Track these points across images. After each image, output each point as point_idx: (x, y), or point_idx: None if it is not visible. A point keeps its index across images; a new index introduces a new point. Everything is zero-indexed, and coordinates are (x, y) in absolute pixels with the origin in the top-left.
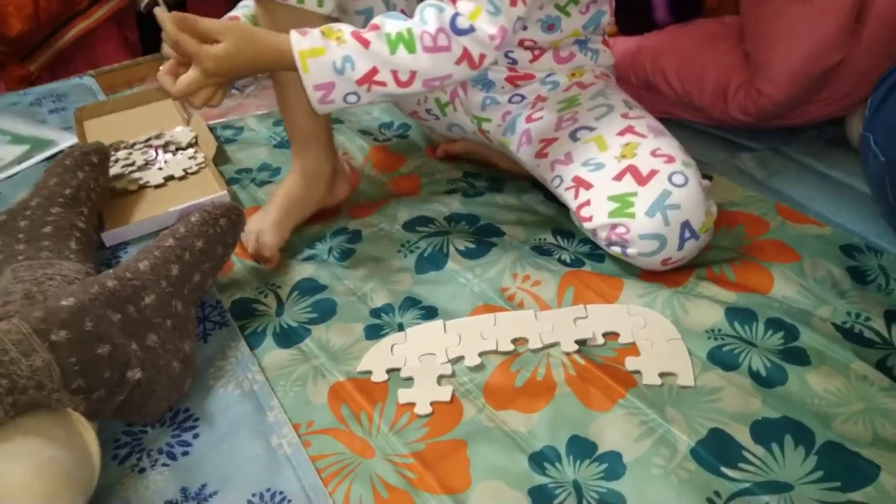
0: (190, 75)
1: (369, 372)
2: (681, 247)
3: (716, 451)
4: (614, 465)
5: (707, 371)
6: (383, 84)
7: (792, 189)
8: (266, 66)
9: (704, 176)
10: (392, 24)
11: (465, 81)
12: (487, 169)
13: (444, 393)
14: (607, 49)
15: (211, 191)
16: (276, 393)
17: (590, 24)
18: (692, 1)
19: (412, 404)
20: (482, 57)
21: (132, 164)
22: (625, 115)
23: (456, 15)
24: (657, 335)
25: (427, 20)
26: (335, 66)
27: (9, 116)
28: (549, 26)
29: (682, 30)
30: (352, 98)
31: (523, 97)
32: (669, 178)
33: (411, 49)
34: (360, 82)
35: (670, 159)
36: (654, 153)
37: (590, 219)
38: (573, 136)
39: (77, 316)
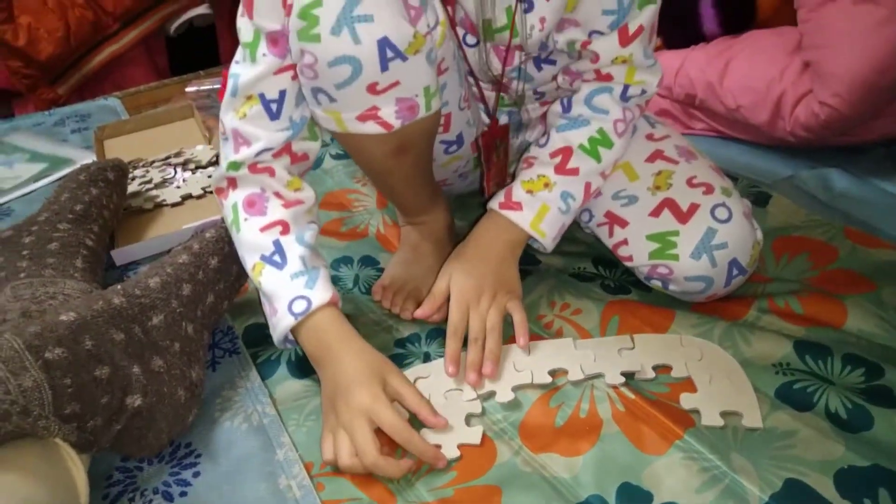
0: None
1: None
2: (727, 284)
3: None
4: None
5: (777, 411)
6: (597, 189)
7: (860, 210)
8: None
9: (753, 194)
10: (575, 134)
11: None
12: None
13: (474, 434)
14: None
15: None
16: (287, 428)
17: None
18: (744, 11)
19: (437, 447)
20: (647, 104)
21: (149, 181)
22: (650, 137)
23: (624, 88)
24: (716, 369)
25: (608, 109)
26: (561, 210)
27: (31, 135)
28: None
29: (734, 42)
30: (570, 220)
31: None
32: (712, 213)
33: (609, 144)
34: (582, 204)
35: (709, 189)
36: (690, 182)
37: (629, 258)
38: None
39: (76, 333)
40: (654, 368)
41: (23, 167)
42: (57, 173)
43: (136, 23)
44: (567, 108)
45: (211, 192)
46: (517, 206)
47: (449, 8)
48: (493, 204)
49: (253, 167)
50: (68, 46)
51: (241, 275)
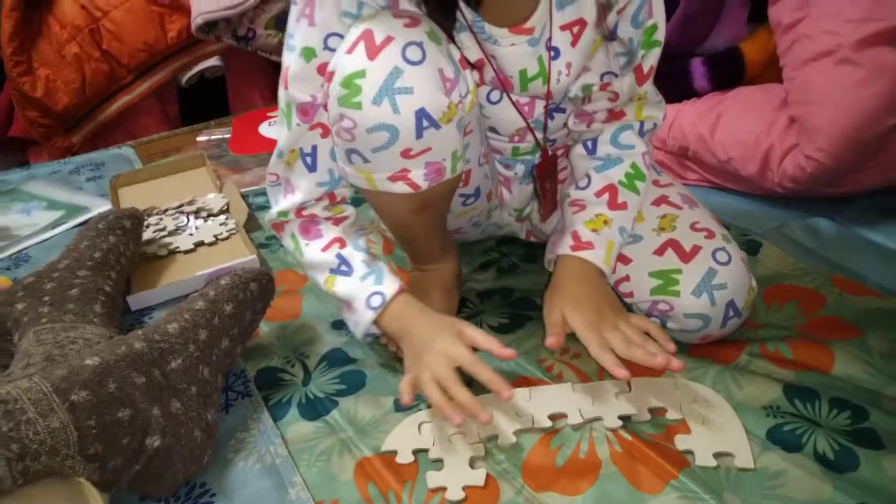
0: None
1: (395, 451)
2: (724, 325)
3: None
4: None
5: (767, 452)
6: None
7: (847, 259)
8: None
9: (745, 242)
10: (614, 172)
11: (508, 179)
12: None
13: (478, 477)
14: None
15: (240, 255)
16: (298, 468)
17: None
18: (733, 69)
19: (443, 489)
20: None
21: (162, 229)
22: (656, 183)
23: (640, 124)
24: (709, 411)
25: (634, 144)
26: (620, 243)
27: (47, 183)
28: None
29: (724, 97)
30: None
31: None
32: (713, 256)
33: (642, 177)
34: (629, 235)
35: (710, 234)
36: (693, 227)
37: (630, 294)
38: None
39: (100, 376)
40: (650, 411)
41: (40, 214)
42: (73, 220)
43: (150, 74)
44: (592, 150)
45: (222, 240)
46: (589, 246)
47: (476, 72)
48: (563, 250)
49: (298, 212)
50: (84, 97)
51: (254, 320)
